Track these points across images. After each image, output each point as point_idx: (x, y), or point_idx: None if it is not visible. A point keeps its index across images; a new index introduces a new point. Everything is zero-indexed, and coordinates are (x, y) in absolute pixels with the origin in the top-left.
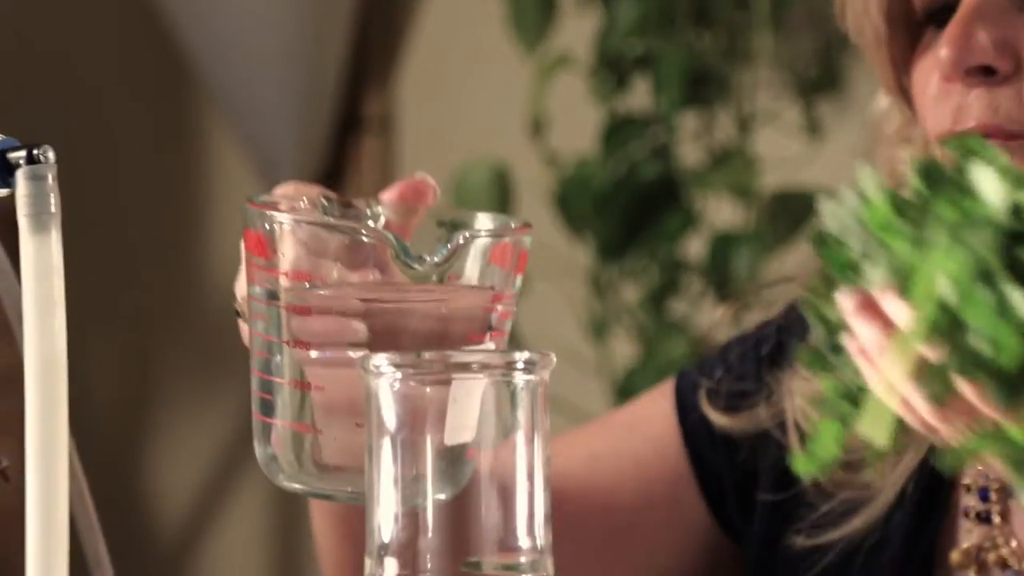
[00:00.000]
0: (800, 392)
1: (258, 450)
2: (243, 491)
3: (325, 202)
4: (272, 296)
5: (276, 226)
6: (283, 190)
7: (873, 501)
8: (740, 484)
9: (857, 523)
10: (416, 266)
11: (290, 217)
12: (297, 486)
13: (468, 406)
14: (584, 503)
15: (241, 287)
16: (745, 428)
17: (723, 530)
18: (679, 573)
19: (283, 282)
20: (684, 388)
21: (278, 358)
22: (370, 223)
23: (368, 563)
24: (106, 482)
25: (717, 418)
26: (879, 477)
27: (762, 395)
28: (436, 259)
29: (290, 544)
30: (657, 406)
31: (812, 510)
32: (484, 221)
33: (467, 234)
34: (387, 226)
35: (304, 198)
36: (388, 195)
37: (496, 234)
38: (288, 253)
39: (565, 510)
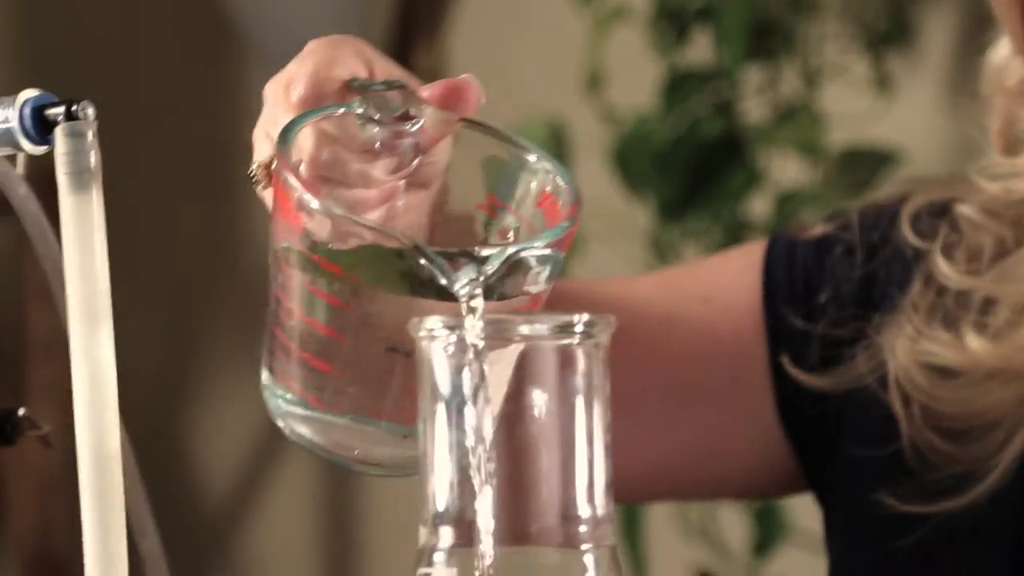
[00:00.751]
0: (904, 352)
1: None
2: (291, 458)
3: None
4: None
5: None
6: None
7: (982, 479)
8: (819, 401)
9: (961, 501)
10: (456, 287)
11: (306, 196)
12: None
13: (502, 372)
14: (650, 369)
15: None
16: (841, 386)
17: (784, 429)
18: (731, 460)
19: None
20: (774, 261)
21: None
22: (408, 127)
23: (423, 532)
24: (150, 451)
25: (809, 379)
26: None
27: (860, 344)
28: (478, 276)
29: (339, 513)
30: (741, 279)
31: (910, 476)
32: (537, 159)
33: (516, 251)
34: (422, 133)
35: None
36: (429, 93)
37: (550, 261)
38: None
39: (630, 374)
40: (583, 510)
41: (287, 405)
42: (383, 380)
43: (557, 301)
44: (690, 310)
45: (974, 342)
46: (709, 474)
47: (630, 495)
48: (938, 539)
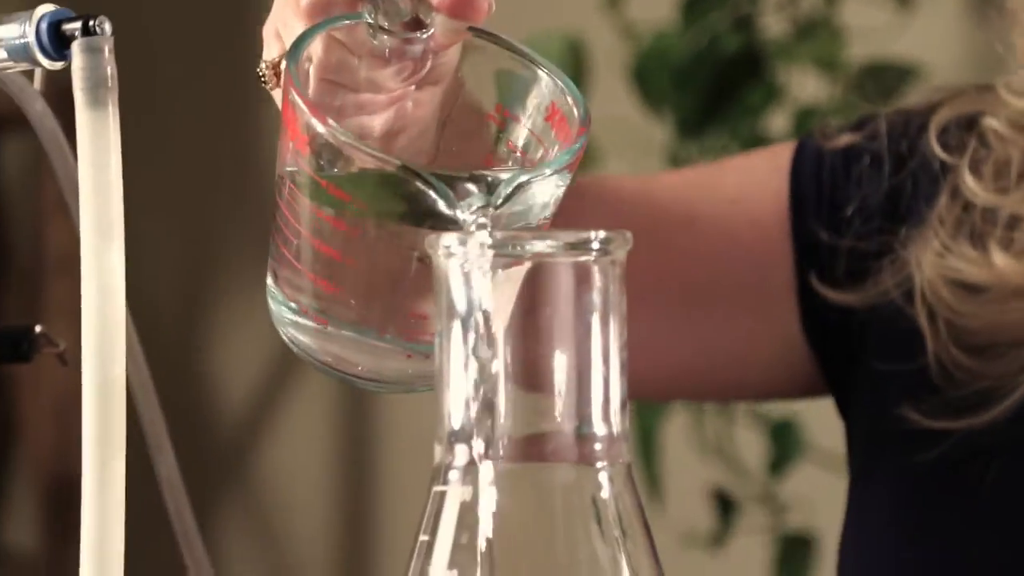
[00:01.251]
0: (930, 267)
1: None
2: (306, 379)
3: (369, 15)
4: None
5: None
6: None
7: (1007, 396)
8: (844, 315)
9: (984, 417)
10: (462, 216)
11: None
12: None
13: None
14: (671, 266)
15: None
16: (867, 301)
17: (807, 339)
18: (751, 363)
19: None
20: (801, 170)
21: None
22: (418, 35)
23: (438, 450)
24: (167, 372)
25: (835, 295)
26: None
27: (886, 258)
28: (486, 206)
29: (355, 433)
30: (768, 184)
31: (934, 392)
32: (547, 73)
33: (526, 179)
34: (432, 40)
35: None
36: (439, 1)
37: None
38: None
39: (650, 271)
40: (598, 428)
41: (291, 315)
42: (388, 296)
43: (580, 196)
44: (715, 209)
45: (1000, 259)
46: (728, 375)
47: (649, 393)
48: (960, 455)
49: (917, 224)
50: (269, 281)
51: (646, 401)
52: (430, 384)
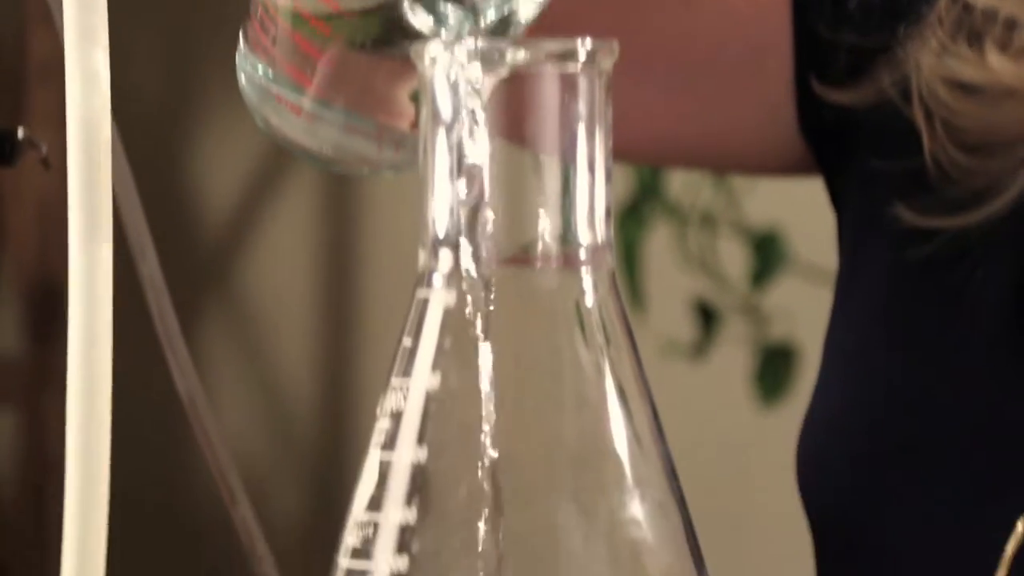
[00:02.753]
0: (928, 66)
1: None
2: (291, 185)
3: None
4: None
5: None
6: None
7: (1001, 193)
8: (841, 112)
9: (978, 215)
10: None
11: None
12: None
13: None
14: (663, 38)
15: None
16: (865, 100)
17: (802, 130)
18: (739, 144)
19: None
20: None
21: None
22: None
23: (422, 255)
24: (151, 173)
25: (833, 94)
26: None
27: (885, 55)
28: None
29: (339, 239)
30: None
31: (929, 192)
32: None
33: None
34: None
35: None
36: None
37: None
38: None
39: (640, 41)
40: (583, 235)
41: (264, 82)
42: (362, 80)
43: None
44: None
45: (995, 59)
46: (719, 150)
47: (635, 158)
48: (950, 253)
49: (916, 22)
50: (241, 49)
51: (634, 163)
52: (396, 169)
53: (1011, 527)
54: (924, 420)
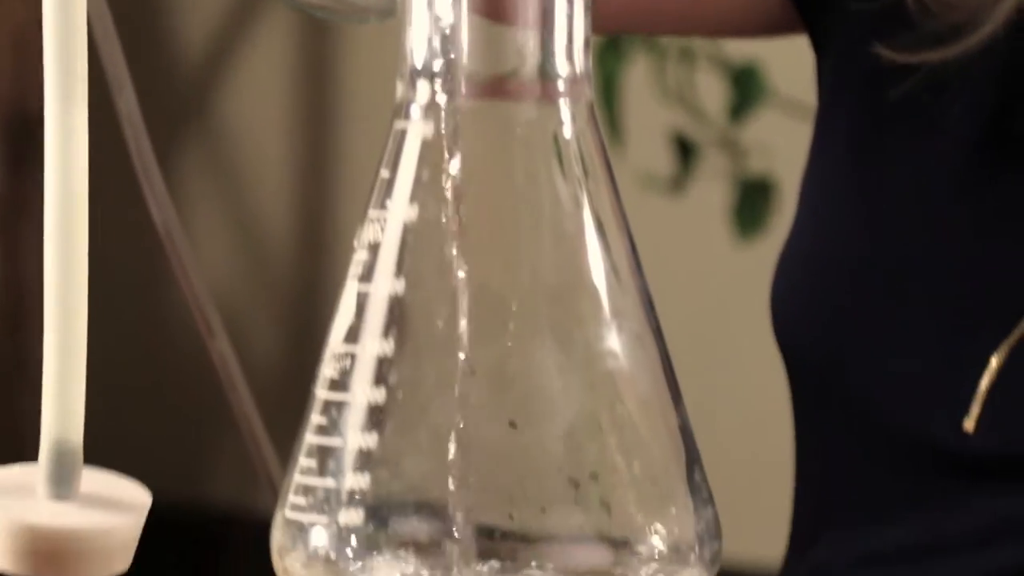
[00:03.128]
0: None
1: None
2: (267, 16)
3: None
4: None
5: None
6: None
7: (978, 27)
8: None
9: (955, 49)
10: None
11: None
12: None
13: None
14: None
15: None
16: None
17: None
18: (724, 5)
19: None
20: None
21: None
22: None
23: (400, 86)
24: (129, 9)
25: None
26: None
27: None
28: None
29: (316, 70)
30: None
31: (908, 28)
32: None
33: None
34: None
35: None
36: None
37: None
38: None
39: None
40: (561, 66)
41: None
42: None
43: None
44: None
45: None
46: (702, 10)
47: (622, 26)
48: (928, 90)
49: None
50: None
51: (622, 32)
52: (384, 16)
53: (985, 363)
54: (898, 259)
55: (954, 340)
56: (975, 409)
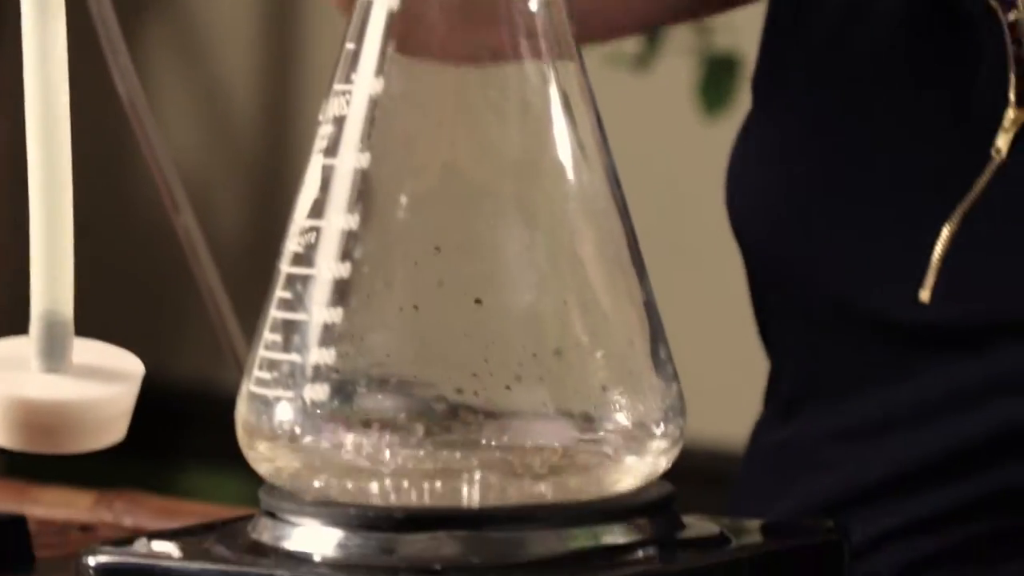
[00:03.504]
0: None
1: None
2: None
3: None
4: None
5: None
6: None
7: None
8: None
9: None
10: None
11: None
12: None
13: None
14: None
15: None
16: None
17: None
18: None
19: None
20: None
21: None
22: None
23: None
24: None
25: None
26: None
27: None
28: None
29: None
30: None
31: None
32: None
33: None
34: None
35: None
36: None
37: None
38: None
39: None
40: None
41: None
42: None
43: None
44: None
45: None
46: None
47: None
48: None
49: None
50: None
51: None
52: None
53: (938, 233)
54: (842, 144)
55: (906, 214)
56: (930, 279)
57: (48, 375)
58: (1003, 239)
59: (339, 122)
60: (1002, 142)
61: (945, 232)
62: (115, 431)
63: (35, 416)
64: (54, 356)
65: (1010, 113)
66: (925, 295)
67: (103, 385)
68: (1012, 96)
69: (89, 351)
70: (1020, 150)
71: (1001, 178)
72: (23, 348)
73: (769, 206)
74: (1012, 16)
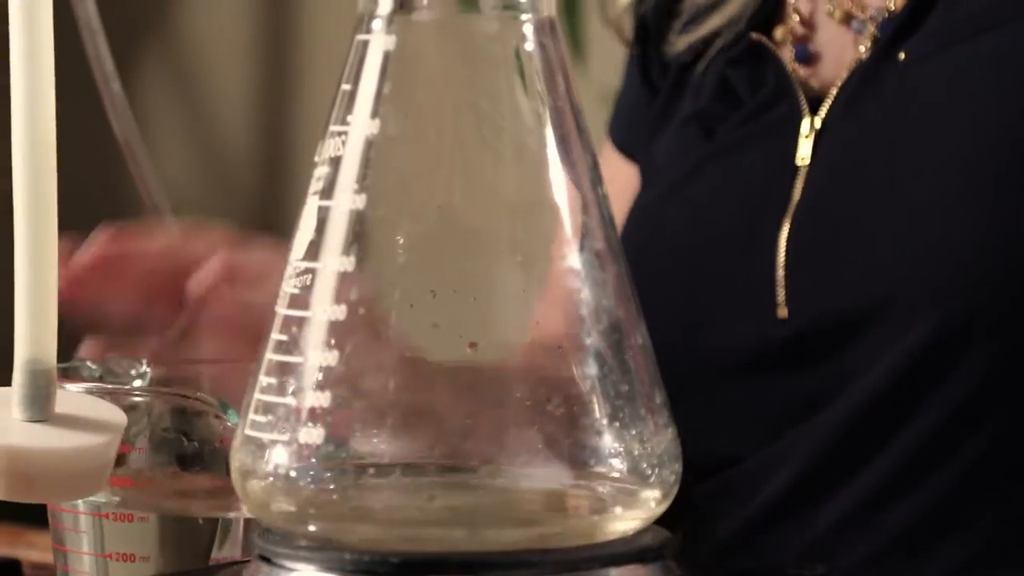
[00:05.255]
0: None
1: None
2: None
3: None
4: None
5: None
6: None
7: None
8: None
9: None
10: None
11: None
12: None
13: None
14: None
15: None
16: None
17: None
18: None
19: None
20: None
21: None
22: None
23: (361, 0)
24: None
25: None
26: None
27: None
28: None
29: None
30: None
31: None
32: None
33: None
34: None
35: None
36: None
37: None
38: None
39: None
40: None
41: None
42: None
43: None
44: None
45: None
46: None
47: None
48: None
49: None
50: None
51: None
52: None
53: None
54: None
55: (754, 242)
56: (780, 294)
57: (30, 424)
58: (829, 242)
59: (335, 163)
60: (806, 150)
61: (782, 244)
62: (97, 481)
63: (16, 465)
64: (36, 405)
65: (806, 121)
66: (783, 312)
67: (85, 435)
68: (804, 105)
69: (71, 401)
70: (819, 155)
71: (811, 184)
72: (5, 397)
73: (644, 271)
74: (779, 35)
